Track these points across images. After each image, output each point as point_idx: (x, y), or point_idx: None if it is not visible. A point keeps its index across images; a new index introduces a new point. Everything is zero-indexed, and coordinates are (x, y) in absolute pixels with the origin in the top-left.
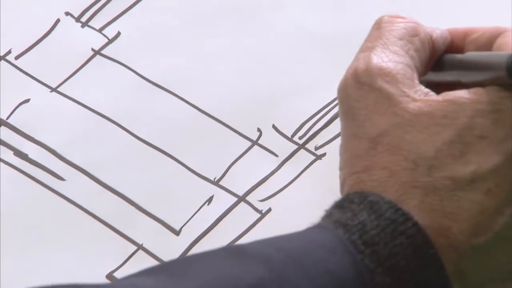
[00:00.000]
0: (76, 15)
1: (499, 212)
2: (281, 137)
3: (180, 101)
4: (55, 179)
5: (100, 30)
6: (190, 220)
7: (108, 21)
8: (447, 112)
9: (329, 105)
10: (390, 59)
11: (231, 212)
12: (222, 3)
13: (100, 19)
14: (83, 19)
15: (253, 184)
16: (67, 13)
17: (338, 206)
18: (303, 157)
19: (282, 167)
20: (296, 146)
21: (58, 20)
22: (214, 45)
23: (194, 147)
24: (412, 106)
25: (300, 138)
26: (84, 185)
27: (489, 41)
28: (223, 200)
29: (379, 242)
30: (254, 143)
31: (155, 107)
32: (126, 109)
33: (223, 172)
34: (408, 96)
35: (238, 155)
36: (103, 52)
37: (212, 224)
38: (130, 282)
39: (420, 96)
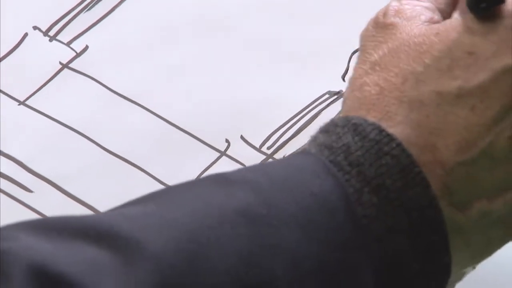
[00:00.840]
0: (44, 29)
1: (486, 129)
2: (249, 147)
3: (148, 113)
4: (23, 191)
5: (68, 44)
6: None
7: (76, 35)
8: (440, 30)
9: (297, 115)
10: (408, 2)
11: None
12: (189, 16)
13: (68, 33)
14: (51, 33)
15: None
16: (35, 27)
17: (323, 130)
18: None
19: None
20: (264, 157)
21: (26, 34)
22: (181, 57)
23: (162, 159)
24: (415, 31)
25: (269, 148)
26: (52, 197)
27: None
28: None
29: (364, 163)
30: (222, 153)
31: (123, 119)
32: (94, 121)
33: None
34: (417, 26)
35: (207, 166)
36: (71, 65)
37: None
38: (117, 212)
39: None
